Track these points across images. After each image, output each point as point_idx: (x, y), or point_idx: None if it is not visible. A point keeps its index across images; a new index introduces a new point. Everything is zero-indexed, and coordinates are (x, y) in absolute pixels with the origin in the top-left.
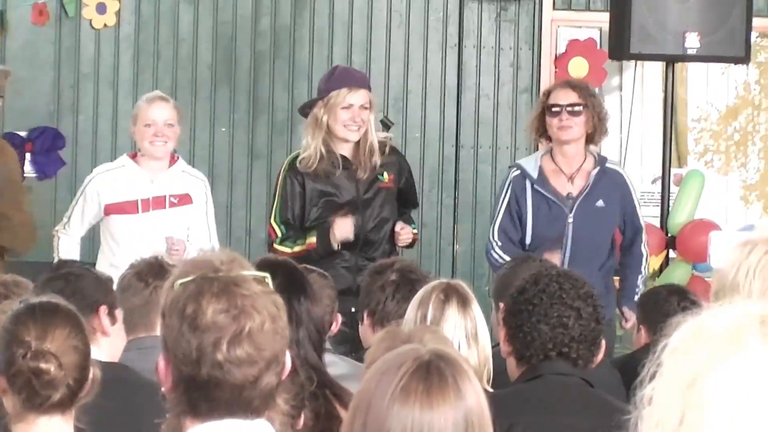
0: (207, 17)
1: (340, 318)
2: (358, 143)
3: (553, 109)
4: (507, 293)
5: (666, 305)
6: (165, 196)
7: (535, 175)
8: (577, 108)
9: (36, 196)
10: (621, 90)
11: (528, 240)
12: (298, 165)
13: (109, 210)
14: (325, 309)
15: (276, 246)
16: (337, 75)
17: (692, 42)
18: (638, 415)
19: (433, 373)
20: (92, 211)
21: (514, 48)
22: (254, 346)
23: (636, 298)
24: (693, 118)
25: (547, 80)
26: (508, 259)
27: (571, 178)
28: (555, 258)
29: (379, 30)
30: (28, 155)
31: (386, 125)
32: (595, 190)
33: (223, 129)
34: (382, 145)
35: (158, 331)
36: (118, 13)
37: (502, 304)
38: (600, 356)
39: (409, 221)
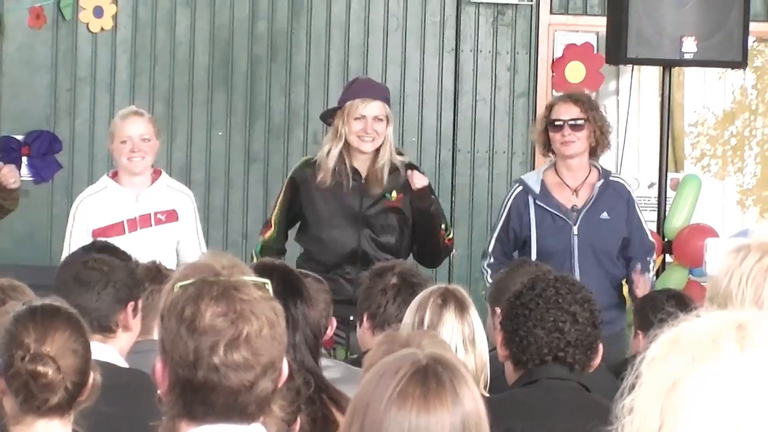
0: (204, 21)
1: (334, 322)
2: (373, 158)
3: (556, 124)
4: (503, 297)
5: (663, 310)
6: (150, 214)
7: (537, 189)
8: (579, 122)
9: (33, 200)
10: (618, 94)
11: (533, 254)
12: (307, 171)
13: (96, 234)
14: (321, 313)
15: (255, 251)
16: (355, 86)
17: (689, 46)
18: (619, 426)
19: (430, 377)
20: (84, 238)
21: (511, 52)
22: (251, 351)
23: (649, 273)
24: (690, 122)
25: (544, 85)
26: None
27: (575, 191)
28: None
29: (376, 34)
30: (24, 159)
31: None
32: (600, 202)
33: (220, 133)
34: (396, 165)
35: (155, 335)
36: (115, 17)
37: (498, 309)
38: (597, 361)
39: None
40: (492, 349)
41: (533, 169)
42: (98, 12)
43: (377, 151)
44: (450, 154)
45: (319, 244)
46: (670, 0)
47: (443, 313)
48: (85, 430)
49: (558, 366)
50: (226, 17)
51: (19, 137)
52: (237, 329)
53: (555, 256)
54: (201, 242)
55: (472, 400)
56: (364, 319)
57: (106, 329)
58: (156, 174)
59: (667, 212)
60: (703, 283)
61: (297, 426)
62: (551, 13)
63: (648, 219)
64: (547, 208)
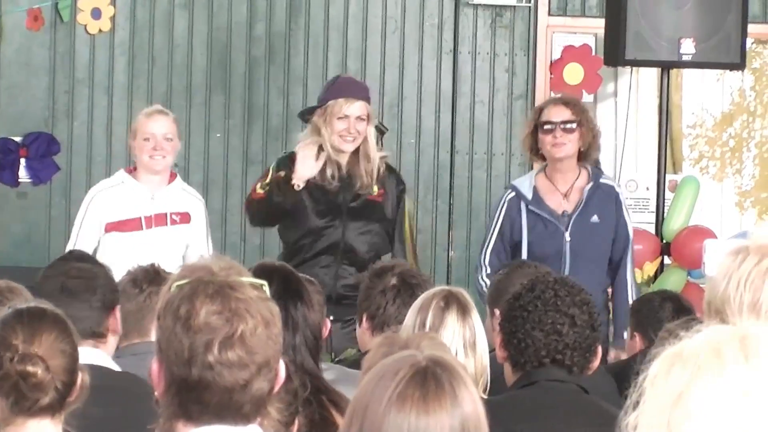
0: (202, 23)
1: (329, 323)
2: (355, 154)
3: (546, 127)
4: (501, 299)
5: (660, 312)
6: (166, 214)
7: (529, 195)
8: (570, 125)
9: (30, 202)
10: (616, 96)
11: (525, 257)
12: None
13: (111, 227)
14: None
15: (250, 197)
16: (337, 85)
17: (687, 48)
18: None
19: (429, 379)
20: (95, 231)
21: (509, 54)
22: (246, 349)
23: (626, 334)
24: (688, 124)
25: (542, 86)
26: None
27: (566, 195)
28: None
29: (374, 36)
30: (22, 161)
31: (380, 131)
32: (589, 206)
33: (218, 135)
34: (379, 162)
35: (152, 337)
36: (113, 19)
37: (496, 310)
38: (596, 363)
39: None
40: (491, 351)
41: (531, 170)
42: (96, 14)
43: (358, 147)
44: (448, 156)
45: (303, 236)
46: (668, 2)
47: (445, 315)
48: (77, 430)
49: (556, 368)
50: (224, 19)
51: (17, 139)
52: (232, 327)
53: (546, 261)
54: (210, 248)
55: (471, 402)
56: (364, 319)
57: (98, 335)
58: (172, 177)
59: (665, 214)
60: (701, 285)
61: (295, 428)
62: (549, 14)
63: (646, 221)
64: (540, 213)
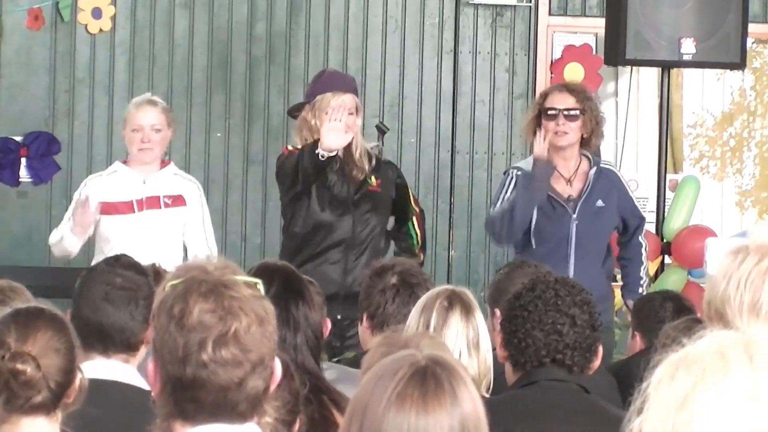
0: (202, 22)
1: (329, 323)
2: (348, 148)
3: (549, 113)
4: (501, 299)
5: (661, 312)
6: (159, 197)
7: None
8: (573, 112)
9: (31, 201)
10: (616, 96)
11: (532, 239)
12: None
13: (104, 208)
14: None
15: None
16: (323, 79)
17: (687, 48)
18: None
19: (429, 378)
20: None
21: (510, 54)
22: (240, 347)
23: (641, 290)
24: (688, 123)
25: (542, 86)
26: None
27: (569, 181)
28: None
29: (374, 35)
30: (23, 160)
31: (382, 130)
32: (594, 190)
33: (219, 134)
34: (371, 153)
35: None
36: (113, 18)
37: (497, 310)
38: (596, 363)
39: (407, 250)
40: (492, 350)
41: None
42: (96, 13)
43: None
44: (449, 156)
45: (310, 231)
46: (668, 1)
47: (449, 315)
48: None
49: (556, 368)
50: (224, 19)
51: (18, 138)
52: (225, 325)
53: (553, 241)
54: (208, 230)
55: (471, 401)
56: (364, 318)
57: (133, 347)
58: (165, 163)
59: (665, 214)
60: (702, 285)
61: (296, 427)
62: (550, 14)
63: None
64: (550, 193)
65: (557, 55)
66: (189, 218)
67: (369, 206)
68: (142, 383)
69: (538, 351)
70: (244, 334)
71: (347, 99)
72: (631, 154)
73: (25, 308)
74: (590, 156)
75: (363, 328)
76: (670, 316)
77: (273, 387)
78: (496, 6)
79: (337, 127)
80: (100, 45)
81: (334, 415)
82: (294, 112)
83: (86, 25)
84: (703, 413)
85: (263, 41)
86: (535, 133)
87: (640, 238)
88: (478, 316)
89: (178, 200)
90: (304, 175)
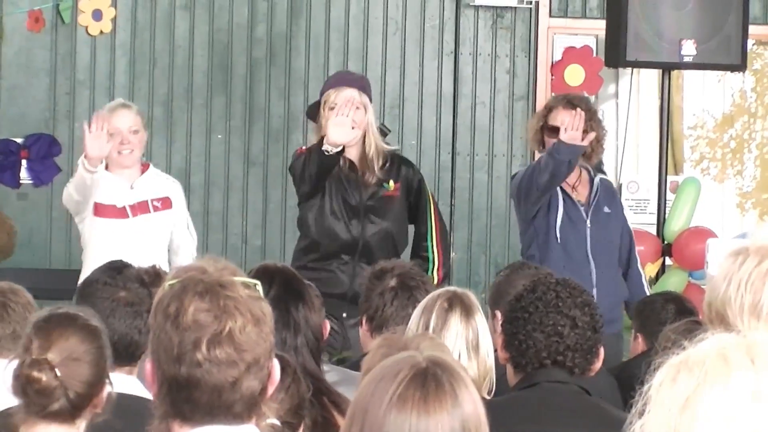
0: (203, 24)
1: (328, 325)
2: (361, 148)
3: (553, 129)
4: (502, 301)
5: (663, 313)
6: (147, 201)
7: None
8: None
9: (32, 203)
10: (617, 97)
11: (557, 240)
12: None
13: (99, 210)
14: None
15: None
16: (331, 78)
17: (688, 49)
18: None
19: (429, 380)
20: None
21: (510, 55)
22: (234, 347)
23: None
24: (689, 125)
25: (543, 88)
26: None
27: (574, 188)
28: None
29: (375, 37)
30: (24, 162)
31: (383, 132)
32: (601, 197)
33: (219, 136)
34: (387, 154)
35: None
36: (113, 20)
37: (498, 312)
38: (598, 365)
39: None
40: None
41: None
42: (97, 15)
43: (363, 139)
44: (449, 157)
45: (320, 234)
46: (669, 3)
47: (448, 317)
48: None
49: (557, 370)
50: (225, 21)
51: (19, 140)
52: (220, 325)
53: (572, 246)
54: (189, 224)
55: (472, 402)
56: (364, 321)
57: (135, 358)
58: (144, 166)
59: (666, 215)
60: (702, 286)
61: (300, 430)
62: (550, 16)
63: (647, 222)
64: (570, 195)
65: (558, 56)
66: (176, 219)
67: (382, 212)
68: (145, 393)
69: (539, 353)
70: (239, 334)
71: (351, 94)
72: (631, 156)
73: (58, 313)
74: (589, 168)
75: (363, 331)
76: (672, 317)
77: (271, 389)
78: (496, 8)
79: (342, 122)
80: (101, 47)
81: (335, 417)
82: (311, 113)
83: (87, 27)
84: (706, 415)
85: (264, 43)
86: (543, 145)
87: (638, 265)
88: (479, 318)
89: (165, 203)
90: (311, 173)
